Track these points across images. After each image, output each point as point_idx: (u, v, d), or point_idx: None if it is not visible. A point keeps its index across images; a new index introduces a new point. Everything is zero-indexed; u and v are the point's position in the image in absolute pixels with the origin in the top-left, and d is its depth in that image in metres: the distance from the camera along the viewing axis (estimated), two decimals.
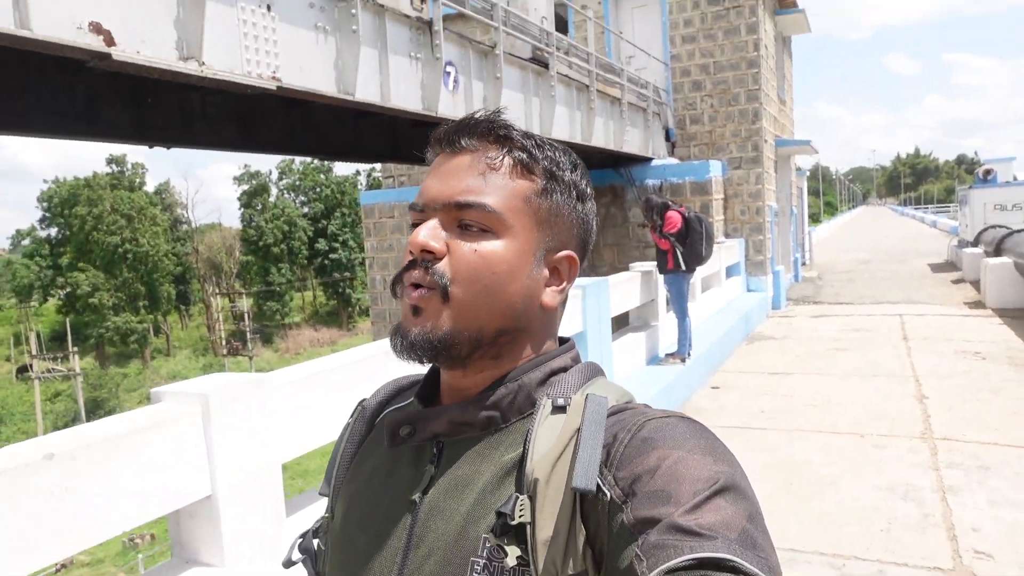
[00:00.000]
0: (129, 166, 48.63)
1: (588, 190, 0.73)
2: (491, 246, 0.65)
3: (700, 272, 7.70)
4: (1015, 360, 6.97)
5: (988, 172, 15.82)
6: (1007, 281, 10.02)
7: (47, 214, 47.45)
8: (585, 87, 8.24)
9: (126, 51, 3.42)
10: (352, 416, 0.80)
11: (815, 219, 46.50)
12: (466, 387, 0.70)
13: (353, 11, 4.58)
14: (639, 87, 10.05)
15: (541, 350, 0.71)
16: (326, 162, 53.13)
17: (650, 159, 10.64)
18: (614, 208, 10.99)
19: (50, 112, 4.88)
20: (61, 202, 46.08)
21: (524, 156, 0.68)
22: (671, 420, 0.61)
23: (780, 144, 12.76)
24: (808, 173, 18.09)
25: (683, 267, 6.48)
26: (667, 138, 11.42)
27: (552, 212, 0.69)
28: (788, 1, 13.27)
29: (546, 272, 0.69)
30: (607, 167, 10.58)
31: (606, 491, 0.58)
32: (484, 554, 0.61)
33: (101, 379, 39.69)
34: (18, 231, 56.58)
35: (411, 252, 0.67)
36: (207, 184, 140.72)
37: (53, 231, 47.83)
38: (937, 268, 15.92)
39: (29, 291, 47.12)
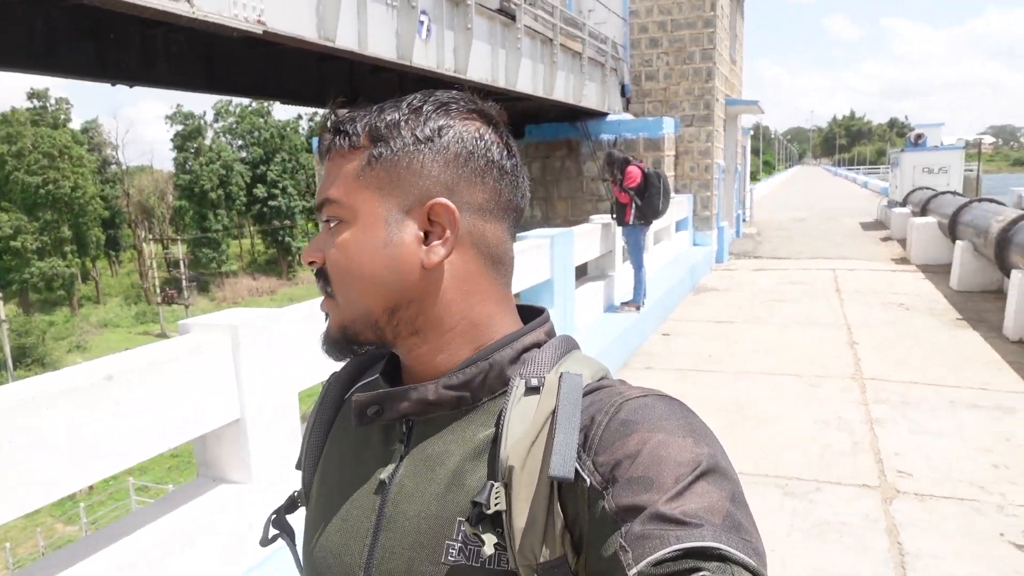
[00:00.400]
0: (53, 101, 45.86)
1: (439, 123, 0.66)
2: (344, 235, 0.66)
3: (654, 226, 8.07)
4: (934, 311, 7.66)
5: (919, 137, 16.71)
6: (931, 239, 10.76)
7: None
8: (549, 40, 8.37)
9: None
10: (322, 392, 0.79)
11: (754, 177, 47.77)
12: (412, 365, 0.70)
13: None
14: (599, 42, 10.21)
15: (464, 311, 0.67)
16: (265, 105, 51.34)
17: (606, 114, 10.88)
18: (569, 161, 11.21)
19: (7, 46, 4.76)
20: None
21: (343, 138, 0.67)
22: (648, 400, 0.60)
23: (730, 103, 13.16)
24: (752, 132, 18.67)
25: (641, 220, 6.84)
26: (623, 94, 11.65)
27: (390, 172, 0.65)
28: None
29: (417, 232, 0.65)
30: (564, 120, 10.77)
31: (585, 477, 0.56)
32: (459, 538, 0.60)
33: (26, 326, 38.05)
34: None
35: None
36: (136, 124, 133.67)
37: None
38: (868, 227, 16.84)
39: None
